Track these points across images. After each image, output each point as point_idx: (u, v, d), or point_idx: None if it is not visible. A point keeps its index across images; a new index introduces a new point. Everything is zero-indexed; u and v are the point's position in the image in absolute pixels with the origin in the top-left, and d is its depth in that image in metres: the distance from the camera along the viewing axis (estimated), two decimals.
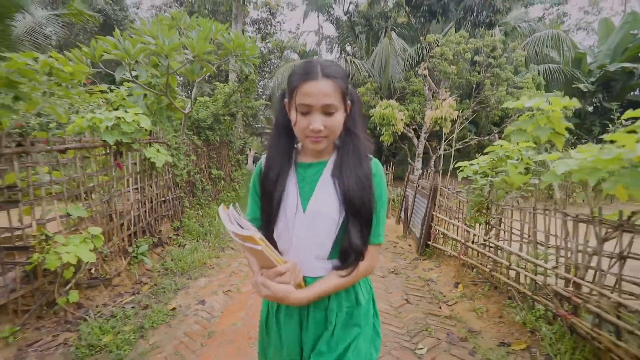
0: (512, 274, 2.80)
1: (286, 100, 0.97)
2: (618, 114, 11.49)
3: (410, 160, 10.47)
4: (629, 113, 1.81)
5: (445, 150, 9.54)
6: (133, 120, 3.41)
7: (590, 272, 2.09)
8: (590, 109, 14.24)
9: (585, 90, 12.61)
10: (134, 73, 4.58)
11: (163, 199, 4.63)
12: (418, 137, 9.63)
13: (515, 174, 2.49)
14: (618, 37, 13.47)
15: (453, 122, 8.12)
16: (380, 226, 1.00)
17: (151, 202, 4.22)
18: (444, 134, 8.33)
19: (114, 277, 3.13)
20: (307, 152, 1.03)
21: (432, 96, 9.05)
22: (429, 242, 4.45)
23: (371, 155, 1.02)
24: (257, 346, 1.15)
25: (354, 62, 10.13)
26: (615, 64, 12.69)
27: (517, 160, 2.61)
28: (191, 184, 6.02)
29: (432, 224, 4.41)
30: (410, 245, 5.18)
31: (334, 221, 0.95)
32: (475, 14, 6.91)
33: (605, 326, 1.89)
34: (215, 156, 7.63)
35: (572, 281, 2.17)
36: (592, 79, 13.26)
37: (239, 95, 7.80)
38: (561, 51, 11.75)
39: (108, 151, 3.39)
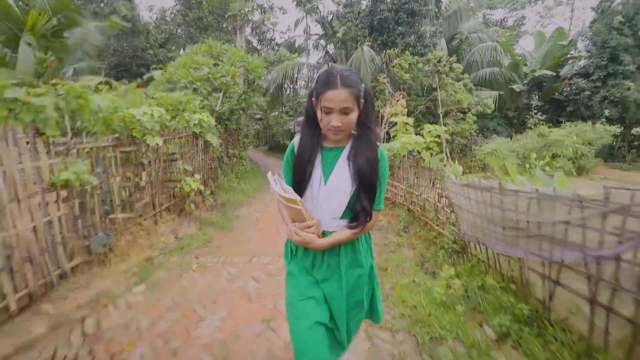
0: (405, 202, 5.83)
1: (314, 99, 1.28)
2: (536, 110, 14.86)
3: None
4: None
5: None
6: (205, 120, 6.22)
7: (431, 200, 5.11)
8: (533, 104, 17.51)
9: (518, 90, 15.83)
10: (194, 86, 7.35)
11: (210, 166, 7.46)
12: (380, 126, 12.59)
13: (400, 150, 5.45)
14: (547, 47, 16.67)
15: (404, 116, 11.12)
16: (381, 197, 1.37)
17: (208, 166, 7.07)
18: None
19: (199, 203, 6.02)
20: (330, 139, 1.35)
21: (391, 97, 12.00)
22: None
23: (379, 143, 1.35)
24: (285, 274, 1.49)
25: (334, 67, 12.94)
26: (540, 70, 15.91)
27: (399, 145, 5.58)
28: (220, 158, 8.85)
29: None
30: None
31: (346, 193, 1.31)
32: (412, 46, 9.84)
33: (425, 213, 4.91)
34: (231, 140, 10.42)
35: (418, 200, 5.20)
36: (526, 81, 16.46)
37: (248, 94, 10.56)
38: (498, 59, 14.80)
39: (193, 136, 6.21)
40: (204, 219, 5.33)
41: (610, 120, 14.67)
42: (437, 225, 3.93)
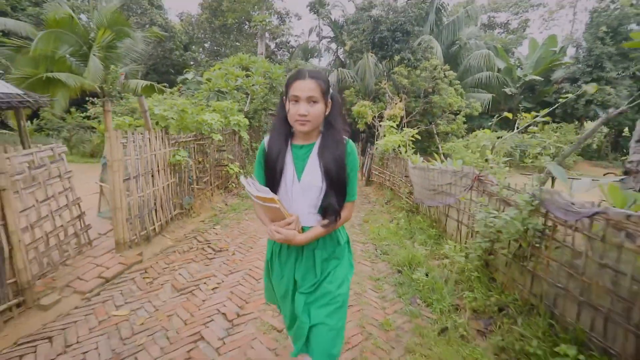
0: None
1: (284, 97, 1.35)
2: (524, 112, 16.43)
3: (375, 140, 15.32)
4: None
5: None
6: (242, 120, 8.20)
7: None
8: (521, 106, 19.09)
9: (510, 93, 17.42)
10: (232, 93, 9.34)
11: (241, 156, 9.47)
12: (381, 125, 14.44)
13: (387, 146, 7.35)
14: (539, 53, 18.17)
15: (402, 117, 12.94)
16: (353, 188, 1.41)
17: (240, 156, 9.08)
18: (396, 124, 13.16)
19: (237, 183, 8.03)
20: (299, 136, 1.39)
21: (391, 100, 13.82)
22: (370, 179, 9.40)
23: (347, 138, 1.40)
24: (263, 278, 1.62)
25: (343, 71, 14.79)
26: (531, 75, 17.46)
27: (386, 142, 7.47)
28: (247, 150, 10.86)
29: (372, 170, 9.36)
30: (363, 183, 10.15)
31: (319, 188, 1.35)
32: (407, 60, 11.68)
33: (399, 190, 6.82)
34: (254, 135, 12.42)
35: (396, 182, 7.10)
36: (518, 85, 18.02)
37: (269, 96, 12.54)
38: (490, 65, 16.40)
39: (232, 133, 8.20)
40: (242, 194, 7.34)
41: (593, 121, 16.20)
42: (405, 197, 5.86)
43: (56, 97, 10.18)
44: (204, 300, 2.83)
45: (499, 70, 17.83)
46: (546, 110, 4.18)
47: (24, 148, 8.39)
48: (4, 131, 11.36)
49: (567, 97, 3.65)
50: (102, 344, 2.25)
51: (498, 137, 4.93)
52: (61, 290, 3.03)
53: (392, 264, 3.55)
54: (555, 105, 4.58)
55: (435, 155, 7.64)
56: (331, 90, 1.36)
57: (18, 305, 2.66)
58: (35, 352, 2.16)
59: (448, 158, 5.14)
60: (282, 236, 1.28)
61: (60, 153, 3.59)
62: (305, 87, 1.25)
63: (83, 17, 15.71)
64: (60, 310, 2.76)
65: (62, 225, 3.49)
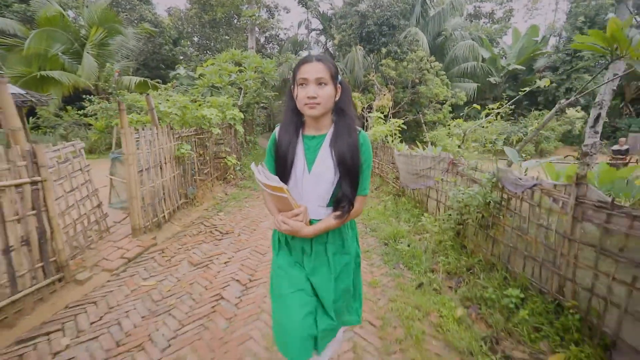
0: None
1: (292, 86, 1.30)
2: (507, 100, 17.09)
3: (365, 131, 15.83)
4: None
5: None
6: (237, 114, 8.58)
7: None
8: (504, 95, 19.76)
9: (494, 82, 18.03)
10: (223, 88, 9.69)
11: (237, 148, 9.86)
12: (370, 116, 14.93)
13: (375, 136, 7.83)
14: (522, 43, 18.76)
15: (390, 108, 13.43)
16: (366, 182, 1.36)
17: (236, 148, 9.48)
18: (384, 114, 13.66)
19: (234, 174, 8.45)
20: (311, 125, 1.36)
21: (380, 91, 14.28)
22: None
23: (360, 129, 1.34)
24: (271, 268, 1.50)
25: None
26: (513, 64, 18.07)
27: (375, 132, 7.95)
28: (241, 143, 11.24)
29: None
30: None
31: (331, 180, 1.30)
32: (394, 52, 12.15)
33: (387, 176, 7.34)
34: (247, 128, 12.78)
35: (385, 169, 7.61)
36: (502, 74, 18.64)
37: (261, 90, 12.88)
38: (475, 55, 16.94)
39: (228, 127, 8.58)
40: (240, 185, 7.78)
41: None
42: (392, 182, 6.37)
43: (51, 95, 10.37)
44: (218, 272, 3.31)
45: (483, 60, 18.39)
46: (496, 105, 4.65)
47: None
48: (1, 130, 11.49)
49: (524, 92, 4.13)
50: (139, 306, 2.72)
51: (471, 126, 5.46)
52: (91, 269, 3.47)
53: (379, 238, 4.07)
54: (515, 97, 5.07)
55: (418, 143, 8.18)
56: (340, 77, 1.32)
57: (59, 280, 3.10)
58: (86, 312, 2.62)
59: (429, 145, 5.65)
60: (289, 227, 1.26)
61: (80, 149, 3.99)
62: (312, 69, 1.22)
63: (70, 13, 15.69)
64: (94, 284, 3.21)
65: (85, 214, 3.90)
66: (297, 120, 1.36)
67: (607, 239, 1.90)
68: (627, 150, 10.05)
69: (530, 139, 3.97)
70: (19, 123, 2.80)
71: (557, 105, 3.55)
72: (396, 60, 12.70)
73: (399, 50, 12.40)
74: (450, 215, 3.36)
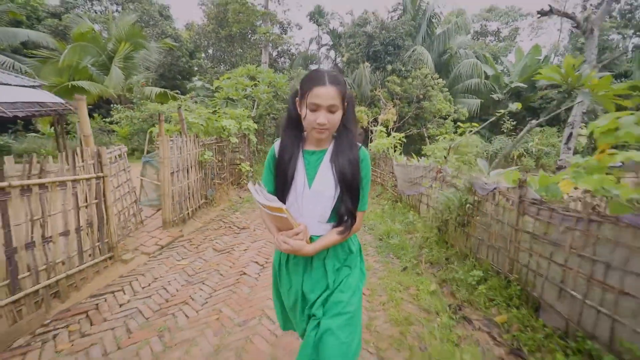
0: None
1: (297, 98, 1.26)
2: (508, 117, 17.72)
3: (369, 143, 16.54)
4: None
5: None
6: (251, 125, 9.36)
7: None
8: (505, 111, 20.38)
9: (497, 99, 18.67)
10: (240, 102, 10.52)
11: (249, 156, 10.61)
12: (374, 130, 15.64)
13: (378, 148, 8.50)
14: (524, 62, 19.43)
15: (395, 121, 14.14)
16: (365, 197, 1.35)
17: (249, 156, 10.24)
18: (388, 127, 14.38)
19: (248, 180, 9.17)
20: (312, 141, 1.34)
21: (385, 105, 15.02)
22: None
23: (360, 144, 1.33)
24: (272, 288, 1.56)
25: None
26: (516, 82, 18.72)
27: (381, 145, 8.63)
28: (253, 152, 12.02)
29: None
30: None
31: (331, 196, 1.29)
32: (398, 70, 12.96)
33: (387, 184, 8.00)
34: (259, 137, 13.58)
35: (385, 178, 8.27)
36: (505, 91, 19.28)
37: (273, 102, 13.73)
38: (478, 73, 17.66)
39: (243, 136, 9.34)
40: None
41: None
42: (390, 189, 7.03)
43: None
44: (239, 256, 3.98)
45: (487, 77, 19.09)
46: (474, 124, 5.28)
47: (59, 150, 9.52)
48: (34, 134, 12.49)
49: (507, 111, 4.77)
50: (178, 277, 3.39)
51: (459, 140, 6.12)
52: (133, 252, 4.17)
53: (375, 235, 4.71)
54: (501, 114, 5.70)
55: (413, 154, 8.81)
56: (347, 90, 1.27)
57: (110, 258, 3.80)
58: (137, 280, 3.31)
59: (423, 156, 6.30)
60: (289, 247, 1.23)
61: (124, 152, 4.74)
62: (326, 96, 1.17)
63: (96, 26, 16.87)
64: (136, 263, 3.90)
65: (126, 207, 4.63)
66: (298, 133, 1.36)
67: (537, 226, 2.53)
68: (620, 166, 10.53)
69: (506, 153, 4.59)
70: (90, 130, 3.55)
71: (527, 126, 4.20)
72: (401, 77, 13.47)
73: (403, 69, 13.19)
74: (435, 214, 4.00)
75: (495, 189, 3.09)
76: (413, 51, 14.77)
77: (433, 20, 18.20)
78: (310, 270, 1.36)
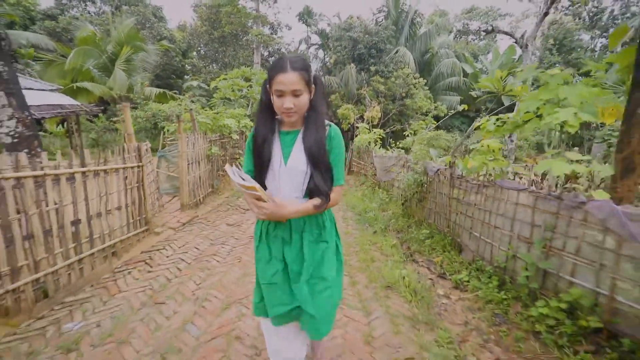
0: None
1: (267, 86, 1.34)
2: (485, 113, 19.06)
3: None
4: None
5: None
6: (248, 123, 10.37)
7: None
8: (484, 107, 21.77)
9: (475, 96, 19.97)
10: (236, 100, 11.52)
11: None
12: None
13: (361, 143, 9.62)
14: (500, 61, 20.78)
15: (380, 118, 15.29)
16: (340, 173, 1.45)
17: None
18: (374, 123, 15.54)
19: None
20: (286, 123, 1.43)
21: (370, 103, 16.15)
22: (351, 169, 11.70)
23: (331, 123, 1.44)
24: (255, 261, 1.59)
25: (329, 78, 17.09)
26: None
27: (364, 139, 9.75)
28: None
29: (352, 162, 11.64)
30: (346, 172, 12.43)
31: (304, 172, 1.39)
32: (381, 71, 14.12)
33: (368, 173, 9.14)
34: None
35: (368, 168, 9.40)
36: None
37: None
38: (458, 71, 18.91)
39: (240, 133, 10.35)
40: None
41: None
42: (370, 177, 8.17)
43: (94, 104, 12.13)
44: (247, 228, 5.07)
45: (466, 74, 20.37)
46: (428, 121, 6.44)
47: (71, 147, 10.40)
48: (42, 133, 13.24)
49: (455, 112, 5.91)
50: (203, 241, 4.46)
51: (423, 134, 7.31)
52: (161, 227, 5.21)
53: (355, 212, 5.84)
54: (452, 114, 6.87)
55: (388, 147, 9.96)
56: (313, 73, 1.36)
57: (146, 230, 4.84)
58: (173, 243, 4.37)
59: (396, 148, 7.45)
60: (268, 210, 1.30)
61: (148, 147, 5.76)
62: (289, 81, 1.24)
63: (97, 29, 17.55)
64: (166, 235, 4.94)
65: (152, 192, 5.66)
66: (271, 116, 1.42)
67: (460, 193, 3.68)
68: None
69: (456, 146, 5.75)
70: (132, 129, 4.57)
71: (459, 140, 5.36)
72: (384, 78, 14.63)
73: (385, 70, 14.33)
74: (400, 193, 5.14)
75: (438, 170, 4.23)
76: (395, 52, 15.92)
77: (415, 21, 19.35)
78: (290, 243, 1.46)
